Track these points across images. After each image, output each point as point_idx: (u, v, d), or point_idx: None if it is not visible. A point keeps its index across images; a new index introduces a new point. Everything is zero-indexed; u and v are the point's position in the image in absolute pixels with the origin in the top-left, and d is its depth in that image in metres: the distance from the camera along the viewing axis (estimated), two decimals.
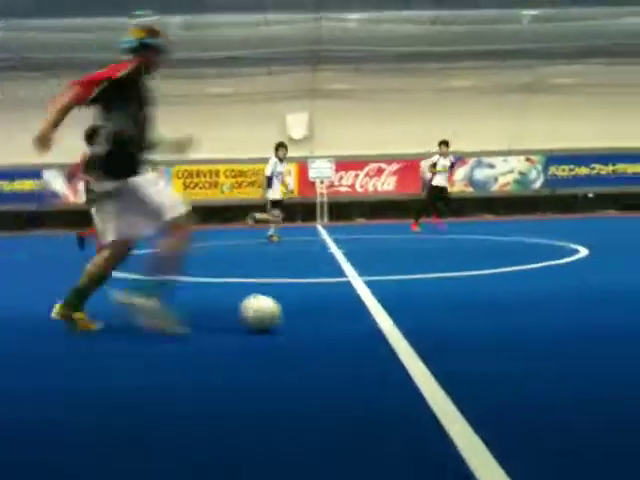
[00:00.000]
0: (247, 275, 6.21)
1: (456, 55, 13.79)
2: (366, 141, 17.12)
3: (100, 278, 3.97)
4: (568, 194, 17.78)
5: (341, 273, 6.34)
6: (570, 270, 6.41)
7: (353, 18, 14.85)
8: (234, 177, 17.87)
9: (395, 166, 17.92)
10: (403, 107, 17.03)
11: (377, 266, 6.93)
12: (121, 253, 3.98)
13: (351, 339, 3.59)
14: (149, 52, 3.91)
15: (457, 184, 17.22)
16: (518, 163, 18.29)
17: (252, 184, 17.49)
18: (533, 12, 10.80)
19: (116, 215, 3.87)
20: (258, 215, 11.82)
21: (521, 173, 18.32)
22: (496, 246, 9.46)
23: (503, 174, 18.39)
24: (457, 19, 10.92)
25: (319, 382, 2.84)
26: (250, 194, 17.15)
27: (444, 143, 12.43)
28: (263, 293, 3.83)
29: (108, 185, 3.84)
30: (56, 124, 3.59)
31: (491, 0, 9.24)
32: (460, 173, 17.70)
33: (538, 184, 18.26)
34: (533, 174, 18.28)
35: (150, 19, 4.07)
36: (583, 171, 18.09)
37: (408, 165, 17.58)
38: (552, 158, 18.13)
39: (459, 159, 15.19)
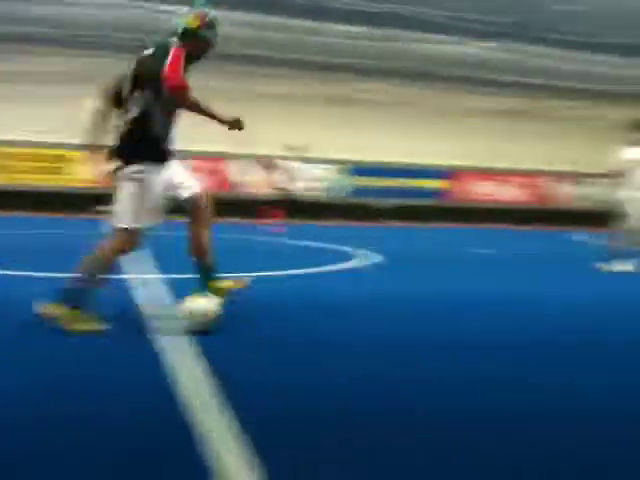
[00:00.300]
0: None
1: (267, 60, 12.43)
2: None
3: (105, 268, 3.78)
4: (370, 204, 17.99)
5: None
6: (352, 276, 6.57)
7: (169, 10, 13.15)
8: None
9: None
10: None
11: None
12: (132, 242, 3.81)
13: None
14: (200, 43, 3.82)
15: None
16: (328, 172, 18.63)
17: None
18: (348, 28, 9.88)
19: (137, 200, 3.72)
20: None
21: (331, 181, 18.61)
22: (286, 249, 9.47)
23: (314, 181, 18.44)
24: (271, 25, 9.91)
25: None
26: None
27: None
28: None
29: (134, 168, 3.73)
30: (212, 115, 3.77)
31: (307, 11, 8.58)
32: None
33: (343, 193, 18.73)
34: (339, 183, 18.73)
35: (208, 10, 3.82)
36: (385, 183, 18.62)
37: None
38: (357, 169, 18.65)
39: None
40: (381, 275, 6.77)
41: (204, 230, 3.96)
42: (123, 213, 3.73)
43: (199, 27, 3.80)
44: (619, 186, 7.82)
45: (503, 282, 6.68)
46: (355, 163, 18.40)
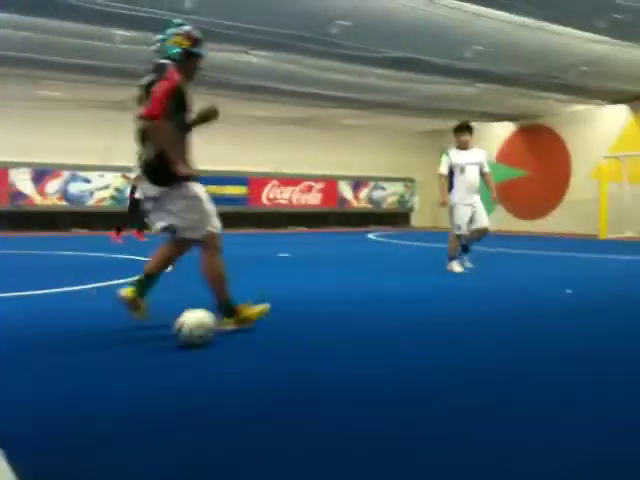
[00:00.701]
0: None
1: (47, 64, 12.22)
2: None
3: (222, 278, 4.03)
4: None
5: None
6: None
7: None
8: None
9: None
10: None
11: None
12: (178, 250, 4.09)
13: None
14: (194, 60, 3.95)
15: (49, 197, 17.56)
16: (114, 179, 17.73)
17: None
18: (125, 33, 10.51)
19: (199, 208, 3.95)
20: None
21: (117, 189, 17.79)
22: (82, 262, 9.12)
23: (99, 189, 17.85)
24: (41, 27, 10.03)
25: None
26: None
27: None
28: None
29: (153, 190, 3.89)
30: (178, 156, 3.81)
31: (79, 15, 8.89)
32: (54, 186, 17.56)
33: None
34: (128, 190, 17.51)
35: (190, 27, 4.23)
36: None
37: None
38: None
39: None
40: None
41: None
42: (194, 225, 3.91)
43: (191, 46, 3.92)
44: (448, 190, 7.86)
45: (301, 281, 7.05)
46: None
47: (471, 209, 7.73)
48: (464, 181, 7.73)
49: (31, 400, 2.75)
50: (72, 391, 2.87)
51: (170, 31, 3.98)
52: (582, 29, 10.64)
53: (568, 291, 6.09)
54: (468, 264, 7.93)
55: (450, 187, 7.82)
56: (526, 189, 19.14)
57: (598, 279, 7.59)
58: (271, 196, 20.24)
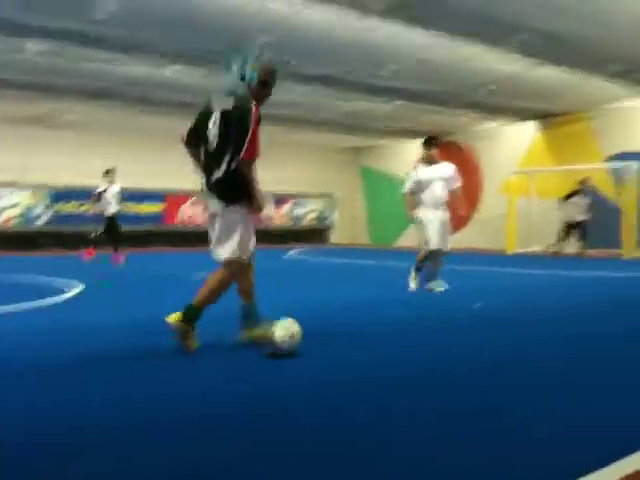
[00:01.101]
0: None
1: None
2: None
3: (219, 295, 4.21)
4: (74, 231, 16.50)
5: None
6: (59, 308, 6.17)
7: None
8: None
9: None
10: None
11: None
12: (238, 271, 4.23)
13: None
14: (266, 91, 4.20)
15: None
16: (24, 197, 16.92)
17: None
18: (39, 46, 10.41)
19: (243, 233, 4.18)
20: None
21: (27, 207, 17.01)
22: None
23: (7, 208, 16.89)
24: None
25: None
26: None
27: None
28: None
29: (216, 206, 4.16)
30: (257, 195, 4.17)
31: None
32: None
33: (43, 220, 17.15)
34: (38, 209, 17.06)
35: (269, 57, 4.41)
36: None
37: None
38: (58, 194, 16.96)
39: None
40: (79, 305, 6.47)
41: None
42: (230, 245, 4.14)
43: (268, 77, 4.17)
44: (417, 206, 7.65)
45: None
46: (53, 187, 17.37)
47: (439, 225, 7.58)
48: (431, 196, 7.60)
49: (23, 409, 2.83)
50: (62, 402, 2.93)
51: (251, 55, 4.17)
52: (491, 49, 11.06)
53: (477, 305, 6.28)
54: (413, 284, 7.72)
55: (419, 202, 7.66)
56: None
57: (501, 292, 7.89)
58: (189, 214, 19.93)
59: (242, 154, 3.98)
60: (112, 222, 12.51)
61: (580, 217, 14.57)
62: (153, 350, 4.12)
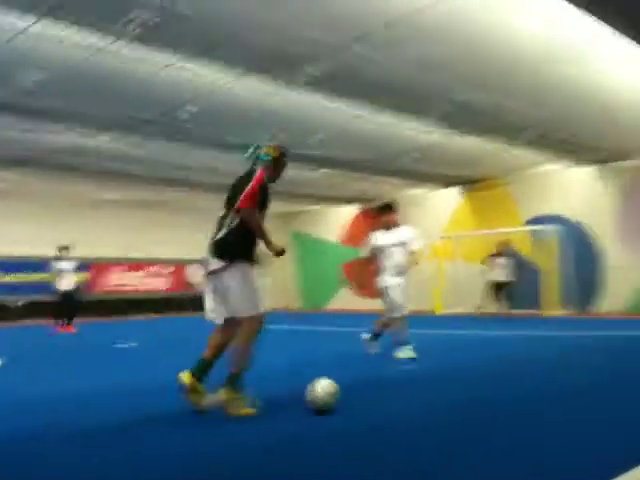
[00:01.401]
0: None
1: None
2: None
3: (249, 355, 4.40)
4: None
5: None
6: None
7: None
8: None
9: None
10: None
11: None
12: (259, 325, 4.40)
13: None
14: (279, 168, 4.62)
15: None
16: None
17: None
18: None
19: (252, 289, 4.40)
20: None
21: None
22: None
23: None
24: None
25: None
26: None
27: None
28: None
29: (217, 264, 4.40)
30: (269, 240, 4.40)
31: None
32: None
33: None
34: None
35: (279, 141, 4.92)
36: (14, 278, 16.33)
37: None
38: None
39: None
40: None
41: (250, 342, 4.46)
42: (243, 304, 4.35)
43: (280, 155, 4.63)
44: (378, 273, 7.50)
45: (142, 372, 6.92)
46: None
47: (400, 292, 7.43)
48: (390, 263, 7.45)
49: None
50: None
51: (264, 144, 4.69)
52: (414, 119, 11.55)
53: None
54: (375, 349, 7.70)
55: (380, 269, 7.53)
56: (368, 269, 19.90)
57: (427, 351, 7.86)
58: (116, 281, 19.48)
59: (238, 204, 4.31)
60: (71, 296, 13.37)
61: (504, 278, 15.02)
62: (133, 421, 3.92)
